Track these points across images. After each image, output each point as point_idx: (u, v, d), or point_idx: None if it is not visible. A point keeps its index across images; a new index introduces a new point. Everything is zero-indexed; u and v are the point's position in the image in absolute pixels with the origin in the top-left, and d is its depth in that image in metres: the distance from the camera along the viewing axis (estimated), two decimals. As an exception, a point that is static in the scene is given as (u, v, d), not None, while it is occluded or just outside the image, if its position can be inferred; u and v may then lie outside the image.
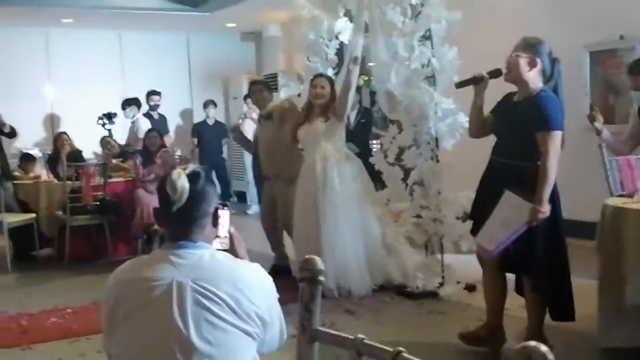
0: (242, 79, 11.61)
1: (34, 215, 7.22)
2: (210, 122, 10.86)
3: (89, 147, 8.85)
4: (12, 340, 4.74)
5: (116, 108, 10.90)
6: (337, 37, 6.22)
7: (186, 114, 11.86)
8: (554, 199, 3.74)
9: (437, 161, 5.30)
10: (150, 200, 7.19)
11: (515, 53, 3.76)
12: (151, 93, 10.37)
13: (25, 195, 7.45)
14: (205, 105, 10.87)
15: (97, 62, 10.94)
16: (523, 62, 3.74)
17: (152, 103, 10.32)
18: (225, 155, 11.33)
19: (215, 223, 2.15)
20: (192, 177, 2.07)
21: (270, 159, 6.13)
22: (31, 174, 7.96)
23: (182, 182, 2.05)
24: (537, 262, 3.77)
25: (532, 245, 3.74)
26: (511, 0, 7.05)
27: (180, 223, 2.08)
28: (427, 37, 5.22)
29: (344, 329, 4.64)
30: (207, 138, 10.69)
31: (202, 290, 1.98)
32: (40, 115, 10.59)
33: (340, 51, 6.32)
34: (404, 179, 5.56)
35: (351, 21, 6.11)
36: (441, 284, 5.30)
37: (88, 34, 10.85)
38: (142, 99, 10.36)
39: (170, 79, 11.43)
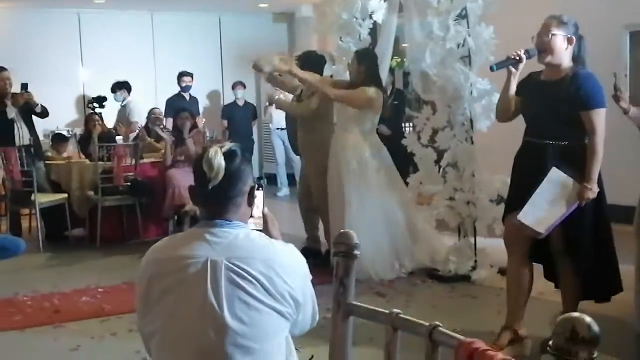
0: (274, 60, 11.52)
1: (66, 195, 7.26)
2: (240, 103, 10.82)
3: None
4: (45, 318, 4.78)
5: (147, 90, 11.02)
6: (370, 17, 6.13)
7: (214, 95, 11.84)
8: (599, 179, 3.64)
9: (472, 143, 5.21)
10: (181, 181, 7.18)
11: (551, 32, 3.59)
12: (182, 74, 10.33)
13: (57, 176, 7.49)
14: (234, 86, 10.84)
15: (129, 43, 10.94)
16: (560, 40, 3.60)
17: (183, 84, 10.28)
18: (255, 137, 11.32)
19: (250, 202, 2.13)
20: (229, 156, 2.05)
21: (304, 138, 6.05)
22: (64, 154, 8.01)
23: (218, 160, 2.02)
24: (585, 244, 3.68)
25: (580, 226, 3.65)
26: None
27: (216, 201, 2.06)
28: (462, 16, 5.11)
29: (375, 311, 4.64)
30: (237, 119, 10.66)
31: (236, 269, 1.96)
32: (72, 96, 10.62)
33: (374, 31, 6.23)
34: (437, 161, 5.49)
35: (385, 1, 6.03)
36: (474, 268, 5.23)
37: (120, 15, 10.86)
38: (174, 80, 10.37)
39: (202, 59, 11.39)
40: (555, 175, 3.56)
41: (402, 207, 5.57)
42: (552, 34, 3.59)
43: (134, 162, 7.33)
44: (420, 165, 5.60)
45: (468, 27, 5.09)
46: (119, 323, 4.59)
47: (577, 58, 3.65)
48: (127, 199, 7.19)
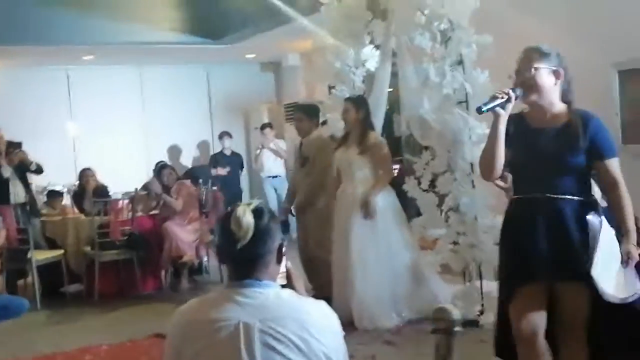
0: (263, 109, 11.63)
1: (62, 251, 7.20)
2: (227, 152, 10.87)
3: (112, 182, 8.80)
4: (50, 380, 4.69)
5: (136, 142, 11.03)
6: (363, 65, 6.20)
7: (204, 145, 11.86)
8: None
9: (473, 186, 5.23)
10: (178, 233, 7.17)
11: (533, 66, 3.07)
12: (223, 134, 10.83)
13: (52, 232, 7.44)
14: (220, 136, 10.92)
15: (118, 98, 10.98)
16: (546, 74, 3.09)
17: (224, 142, 10.80)
18: (244, 186, 11.33)
19: (279, 260, 2.11)
20: (257, 213, 2.04)
21: (305, 190, 6.05)
22: (58, 210, 7.96)
23: (247, 218, 2.01)
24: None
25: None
26: (540, 21, 7.03)
27: (245, 261, 2.04)
28: (458, 62, 5.17)
29: (386, 360, 4.60)
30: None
31: (270, 331, 1.94)
32: (63, 152, 10.58)
33: (368, 78, 6.29)
34: (439, 205, 5.50)
35: (377, 49, 6.10)
36: (481, 312, 5.20)
37: (109, 70, 10.90)
38: (164, 132, 10.48)
39: (191, 111, 11.47)
40: (605, 228, 3.05)
41: (409, 248, 5.58)
42: (535, 68, 3.08)
43: (130, 215, 7.29)
44: (423, 209, 5.60)
45: (464, 73, 5.14)
46: (127, 382, 4.53)
47: (567, 95, 3.17)
48: (125, 253, 7.13)
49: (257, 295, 2.00)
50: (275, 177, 10.56)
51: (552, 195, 3.09)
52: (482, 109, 3.19)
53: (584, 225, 3.05)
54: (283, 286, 2.16)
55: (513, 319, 3.09)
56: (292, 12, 7.43)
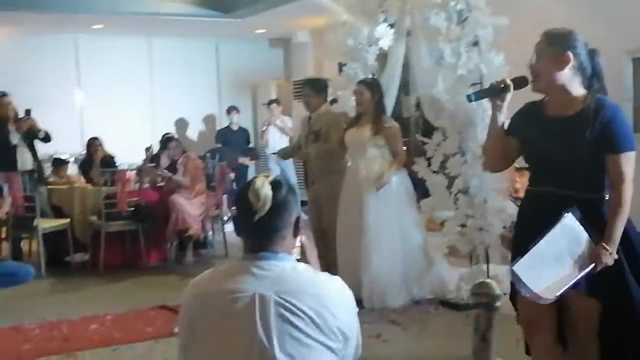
0: (271, 85, 11.59)
1: (68, 220, 7.21)
2: (234, 127, 10.84)
3: (120, 152, 8.79)
4: (55, 347, 4.69)
5: (144, 114, 11.01)
6: (376, 43, 6.15)
7: (210, 119, 11.83)
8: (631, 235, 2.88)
9: (484, 169, 5.19)
10: (184, 206, 7.16)
11: (542, 53, 2.88)
12: (231, 108, 10.79)
13: (59, 200, 7.44)
14: (229, 111, 10.88)
15: (126, 68, 10.96)
16: (550, 60, 2.85)
17: (231, 117, 10.78)
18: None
19: (296, 233, 2.10)
20: (275, 186, 2.02)
21: (317, 165, 6.01)
22: (64, 179, 7.95)
23: (265, 190, 1.99)
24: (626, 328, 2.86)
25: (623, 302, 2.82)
26: (556, 5, 6.98)
27: (262, 233, 2.02)
28: (473, 43, 5.13)
29: (391, 339, 4.61)
30: (231, 144, 10.64)
31: (286, 304, 1.92)
32: (70, 121, 10.55)
33: (381, 57, 6.25)
34: (448, 187, 5.47)
35: (392, 27, 6.05)
36: (486, 295, 5.19)
37: (117, 40, 10.86)
38: (170, 104, 10.47)
39: (199, 84, 11.45)
40: (570, 222, 2.79)
41: (419, 229, 5.59)
42: (538, 55, 2.90)
43: (137, 186, 7.28)
44: (432, 191, 5.58)
45: (479, 54, 5.10)
46: (132, 352, 4.54)
47: (591, 80, 2.89)
48: (131, 224, 7.13)
49: (274, 267, 1.99)
50: (280, 153, 10.52)
51: (557, 190, 2.88)
52: (472, 99, 3.17)
53: (585, 226, 2.81)
54: (297, 260, 2.15)
55: (520, 310, 3.08)
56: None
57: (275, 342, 1.88)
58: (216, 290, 2.00)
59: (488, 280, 1.95)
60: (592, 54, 2.90)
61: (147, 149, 8.11)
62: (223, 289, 1.98)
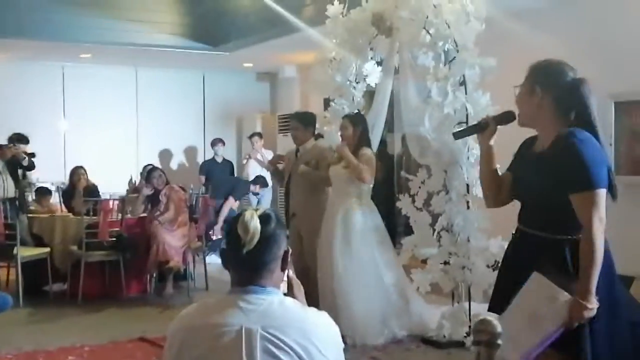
0: (256, 118, 11.62)
1: (48, 249, 7.13)
2: (219, 159, 10.83)
3: (103, 182, 8.74)
4: (31, 378, 4.62)
5: (129, 143, 10.98)
6: (364, 80, 6.21)
7: (192, 150, 11.82)
8: (610, 280, 2.68)
9: (468, 208, 5.22)
10: (165, 237, 7.11)
11: (515, 85, 2.84)
12: (217, 141, 10.78)
13: (39, 229, 7.36)
14: (214, 143, 10.87)
15: (112, 97, 10.94)
16: (522, 94, 2.81)
17: (216, 149, 10.75)
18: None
19: (284, 267, 2.09)
20: (264, 219, 2.02)
21: (301, 198, 6.01)
22: (46, 208, 7.88)
23: (254, 223, 1.99)
24: None
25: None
26: (543, 46, 7.07)
27: (250, 267, 2.02)
28: (460, 82, 5.18)
29: (373, 377, 4.57)
30: (216, 176, 10.62)
31: (271, 338, 1.92)
32: (54, 149, 10.50)
33: (367, 94, 6.30)
34: (432, 225, 5.49)
35: (379, 64, 6.11)
36: (468, 334, 5.18)
37: (105, 69, 10.86)
38: (156, 134, 10.46)
39: (184, 115, 11.46)
40: (538, 282, 2.62)
41: (392, 268, 5.58)
42: (521, 89, 2.83)
43: (119, 217, 7.23)
44: (415, 228, 5.59)
45: (466, 94, 5.15)
46: (110, 385, 4.47)
47: (569, 113, 2.73)
48: (112, 255, 7.06)
49: (261, 301, 1.98)
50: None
51: (531, 230, 2.78)
52: (456, 136, 3.21)
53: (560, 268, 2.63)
54: (284, 295, 2.14)
55: None
56: (298, 23, 7.42)
57: (261, 377, 1.87)
58: (203, 323, 1.98)
59: (489, 318, 1.93)
60: (577, 84, 2.74)
61: (130, 181, 8.10)
62: (210, 322, 1.96)
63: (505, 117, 2.96)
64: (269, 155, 10.67)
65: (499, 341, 1.87)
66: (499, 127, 2.98)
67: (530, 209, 2.84)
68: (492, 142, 3.00)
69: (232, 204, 9.74)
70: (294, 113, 6.75)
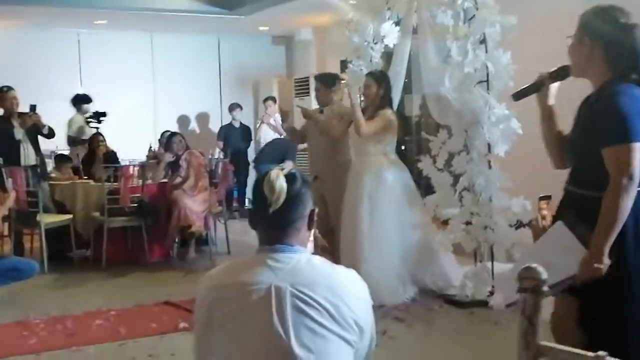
0: (272, 82, 11.57)
1: (71, 216, 7.19)
2: (236, 124, 10.82)
3: (122, 148, 8.78)
4: (60, 342, 4.68)
5: (146, 109, 11.00)
6: (382, 41, 6.15)
7: (210, 115, 11.81)
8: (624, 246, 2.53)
9: (489, 167, 5.20)
10: (187, 202, 7.14)
11: (567, 36, 2.71)
12: (233, 106, 10.70)
13: (61, 196, 7.42)
14: (231, 108, 10.83)
15: (128, 64, 10.92)
16: (572, 46, 2.69)
17: (234, 114, 10.70)
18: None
19: (310, 226, 2.09)
20: (290, 178, 2.02)
21: (322, 162, 6.00)
22: (66, 175, 7.94)
23: (280, 182, 1.99)
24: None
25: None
26: (565, 3, 6.96)
27: (277, 226, 2.03)
28: (480, 41, 5.12)
29: (397, 336, 4.60)
30: (233, 141, 10.63)
31: (301, 295, 1.92)
32: (70, 116, 10.51)
33: (386, 55, 6.24)
34: (453, 185, 5.47)
35: (397, 25, 6.05)
36: (491, 293, 5.19)
37: (120, 36, 10.84)
38: (172, 100, 10.48)
39: (200, 80, 11.42)
40: (560, 232, 2.59)
41: (419, 228, 5.57)
42: (572, 41, 2.70)
43: (140, 182, 7.27)
44: (437, 188, 5.58)
45: (486, 52, 5.09)
46: (137, 348, 4.52)
47: (620, 61, 2.58)
48: (134, 220, 7.12)
49: (289, 259, 1.99)
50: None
51: (569, 187, 2.72)
52: (515, 97, 2.99)
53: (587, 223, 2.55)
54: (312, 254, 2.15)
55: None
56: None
57: (291, 334, 1.88)
58: (232, 282, 1.99)
59: (534, 265, 1.91)
60: (628, 29, 2.58)
61: (149, 149, 8.13)
62: (239, 281, 1.98)
63: (561, 73, 2.80)
64: (280, 120, 10.68)
65: (545, 288, 1.85)
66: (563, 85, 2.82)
67: (574, 165, 2.75)
68: (552, 102, 2.83)
69: (290, 166, 9.71)
70: (316, 75, 6.70)
